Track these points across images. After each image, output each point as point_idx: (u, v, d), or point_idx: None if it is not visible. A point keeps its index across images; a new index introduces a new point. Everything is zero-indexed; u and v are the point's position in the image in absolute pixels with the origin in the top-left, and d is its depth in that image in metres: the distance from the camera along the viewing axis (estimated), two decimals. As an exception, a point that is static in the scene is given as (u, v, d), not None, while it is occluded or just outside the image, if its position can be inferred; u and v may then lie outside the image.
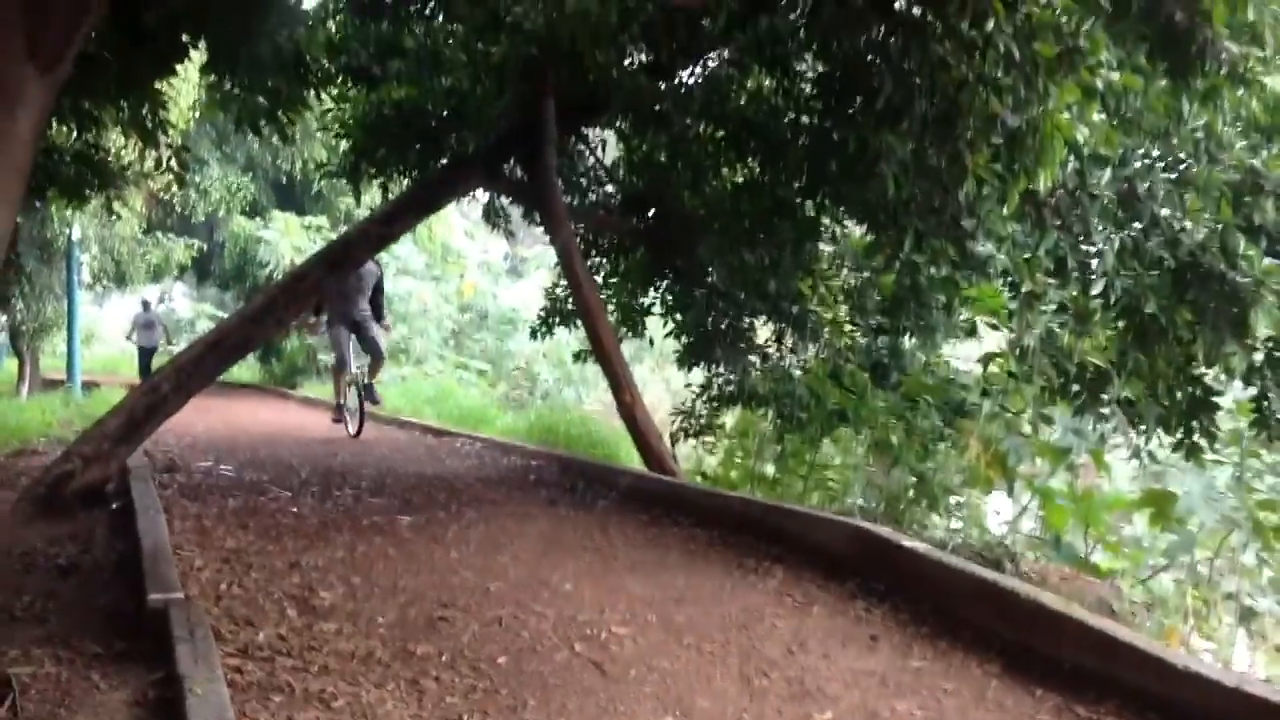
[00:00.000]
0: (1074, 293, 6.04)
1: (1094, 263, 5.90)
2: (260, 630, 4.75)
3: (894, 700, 4.34)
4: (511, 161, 9.96)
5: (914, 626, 5.17)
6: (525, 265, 34.43)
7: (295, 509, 7.79)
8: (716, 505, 7.39)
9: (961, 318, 11.18)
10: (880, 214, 7.06)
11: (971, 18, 4.91)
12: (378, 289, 13.11)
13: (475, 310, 29.07)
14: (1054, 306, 5.98)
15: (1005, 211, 5.49)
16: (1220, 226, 5.78)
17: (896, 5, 5.53)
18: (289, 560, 6.12)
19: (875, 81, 5.90)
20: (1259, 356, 6.61)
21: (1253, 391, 6.68)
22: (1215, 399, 6.80)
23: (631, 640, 4.95)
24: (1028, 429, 9.57)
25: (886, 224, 7.02)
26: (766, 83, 9.37)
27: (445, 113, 9.62)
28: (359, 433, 13.27)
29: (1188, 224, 5.77)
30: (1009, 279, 6.81)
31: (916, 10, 5.33)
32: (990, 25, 4.87)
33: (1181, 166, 5.96)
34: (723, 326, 11.44)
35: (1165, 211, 5.82)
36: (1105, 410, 6.67)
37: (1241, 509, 7.86)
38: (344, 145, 11.01)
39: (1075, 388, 6.71)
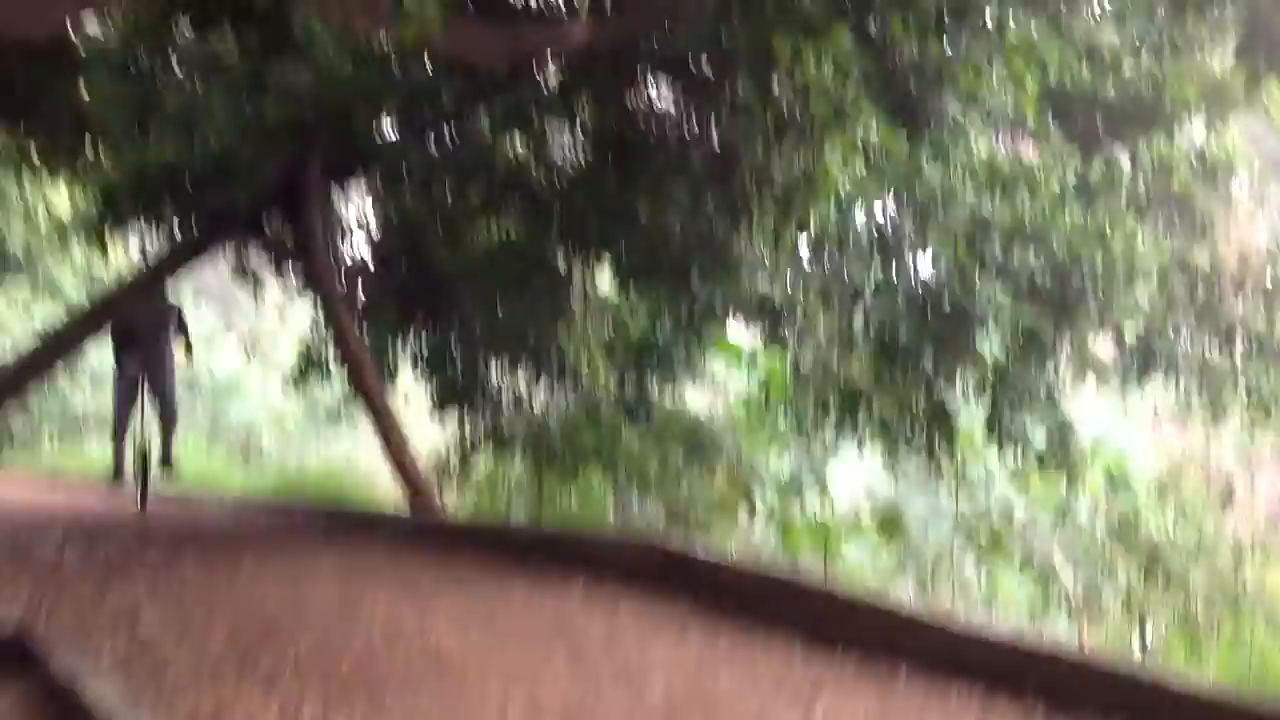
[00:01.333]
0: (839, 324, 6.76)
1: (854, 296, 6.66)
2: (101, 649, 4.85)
3: (713, 676, 4.84)
4: (275, 219, 10.10)
5: (719, 615, 5.69)
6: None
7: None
8: (500, 534, 7.76)
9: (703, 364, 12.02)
10: (641, 266, 7.68)
11: (756, 81, 5.56)
12: (181, 327, 11.17)
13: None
14: (823, 335, 6.68)
15: (779, 252, 6.18)
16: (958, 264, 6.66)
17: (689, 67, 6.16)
18: (96, 595, 6.14)
19: (653, 138, 6.51)
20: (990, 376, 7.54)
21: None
22: (951, 415, 7.67)
23: (459, 645, 5.27)
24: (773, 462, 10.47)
25: (647, 274, 7.66)
26: (520, 149, 9.92)
27: (211, 172, 9.66)
28: (143, 506, 10.92)
29: (931, 263, 6.61)
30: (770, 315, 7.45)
31: (707, 71, 5.97)
32: (775, 88, 5.54)
33: (924, 213, 6.81)
34: (475, 375, 11.86)
35: (910, 252, 6.65)
36: (862, 430, 7.42)
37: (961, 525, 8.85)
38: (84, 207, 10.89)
39: (834, 413, 7.41)
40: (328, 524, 9.90)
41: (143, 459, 10.77)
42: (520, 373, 12.04)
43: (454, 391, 11.89)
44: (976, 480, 10.39)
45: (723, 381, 12.15)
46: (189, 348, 11.20)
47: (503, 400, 12.06)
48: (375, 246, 11.69)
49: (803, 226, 5.97)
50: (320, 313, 10.82)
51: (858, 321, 6.80)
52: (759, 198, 5.91)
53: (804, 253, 6.63)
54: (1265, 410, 7.77)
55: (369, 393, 9.89)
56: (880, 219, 6.64)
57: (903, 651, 4.87)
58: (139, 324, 10.51)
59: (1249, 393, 7.62)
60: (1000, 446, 7.64)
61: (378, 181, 10.84)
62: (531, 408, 12.12)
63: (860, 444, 8.89)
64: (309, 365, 12.32)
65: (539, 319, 10.88)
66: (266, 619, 5.66)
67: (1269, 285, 7.84)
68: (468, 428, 12.12)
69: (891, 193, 6.53)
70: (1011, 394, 7.28)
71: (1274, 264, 7.95)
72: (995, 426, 7.44)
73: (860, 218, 6.43)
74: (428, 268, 11.03)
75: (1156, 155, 7.59)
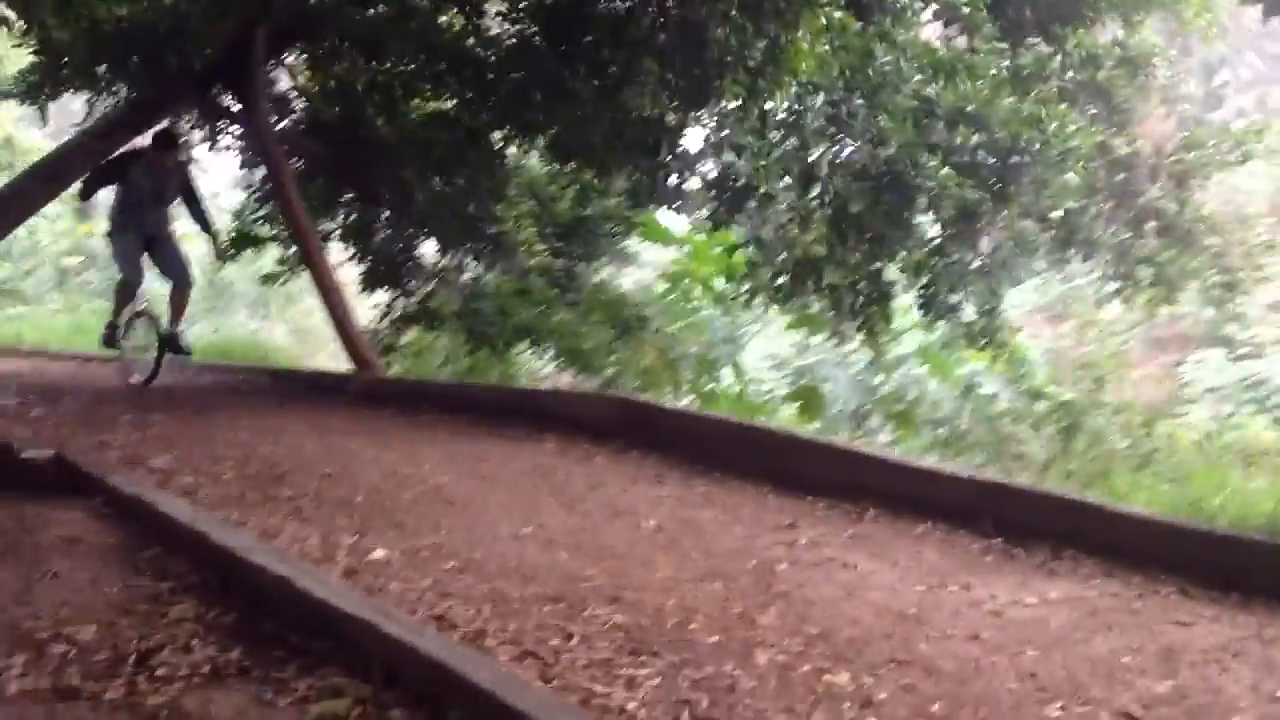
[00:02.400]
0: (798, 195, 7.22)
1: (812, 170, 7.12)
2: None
3: (695, 511, 5.33)
4: (222, 84, 10.16)
5: (690, 466, 6.18)
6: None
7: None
8: (461, 394, 8.13)
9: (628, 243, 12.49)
10: (576, 144, 8.01)
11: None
12: (188, 193, 10.02)
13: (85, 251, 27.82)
14: (784, 206, 7.13)
15: (744, 127, 6.61)
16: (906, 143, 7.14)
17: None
18: (98, 440, 6.40)
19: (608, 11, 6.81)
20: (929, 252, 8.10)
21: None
22: (889, 289, 8.22)
23: (457, 485, 5.67)
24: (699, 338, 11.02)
25: (582, 155, 8.01)
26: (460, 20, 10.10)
27: (162, 33, 9.66)
28: (149, 380, 9.68)
29: (883, 140, 7.09)
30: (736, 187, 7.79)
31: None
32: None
33: (874, 95, 7.26)
34: (408, 250, 12.12)
35: (863, 132, 7.12)
36: (810, 297, 7.94)
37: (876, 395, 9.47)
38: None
39: (785, 281, 7.88)
40: (286, 386, 10.18)
41: (157, 334, 9.65)
42: (453, 249, 12.33)
43: (385, 266, 12.13)
44: (892, 357, 11.17)
45: (652, 261, 12.59)
46: (215, 237, 10.20)
47: (435, 276, 12.37)
48: (312, 117, 11.76)
49: (767, 106, 6.37)
50: (263, 183, 10.94)
51: (814, 197, 7.28)
52: (726, 77, 6.28)
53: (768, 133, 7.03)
54: (1169, 287, 8.45)
55: (316, 262, 10.09)
56: (835, 100, 7.06)
57: (868, 493, 5.43)
58: (141, 179, 9.46)
59: (1157, 271, 8.28)
60: (935, 318, 8.22)
61: (319, 50, 10.91)
62: (463, 283, 12.45)
63: (807, 314, 9.56)
64: (243, 237, 12.44)
65: (473, 194, 11.13)
66: (267, 463, 5.97)
67: (1179, 171, 8.52)
68: (399, 302, 12.41)
69: (846, 75, 6.95)
70: (948, 270, 7.83)
71: (1185, 151, 8.62)
72: (930, 302, 8.00)
73: (819, 98, 6.85)
74: (363, 141, 11.16)
75: (1081, 48, 8.12)
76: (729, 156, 6.84)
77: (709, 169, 7.71)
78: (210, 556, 3.74)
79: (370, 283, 12.34)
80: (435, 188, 10.96)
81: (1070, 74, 8.05)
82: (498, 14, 9.92)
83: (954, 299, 7.92)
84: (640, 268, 13.21)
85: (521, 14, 9.31)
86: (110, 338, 10.28)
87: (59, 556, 4.02)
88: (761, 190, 6.86)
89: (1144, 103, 8.38)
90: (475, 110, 10.38)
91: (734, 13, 6.07)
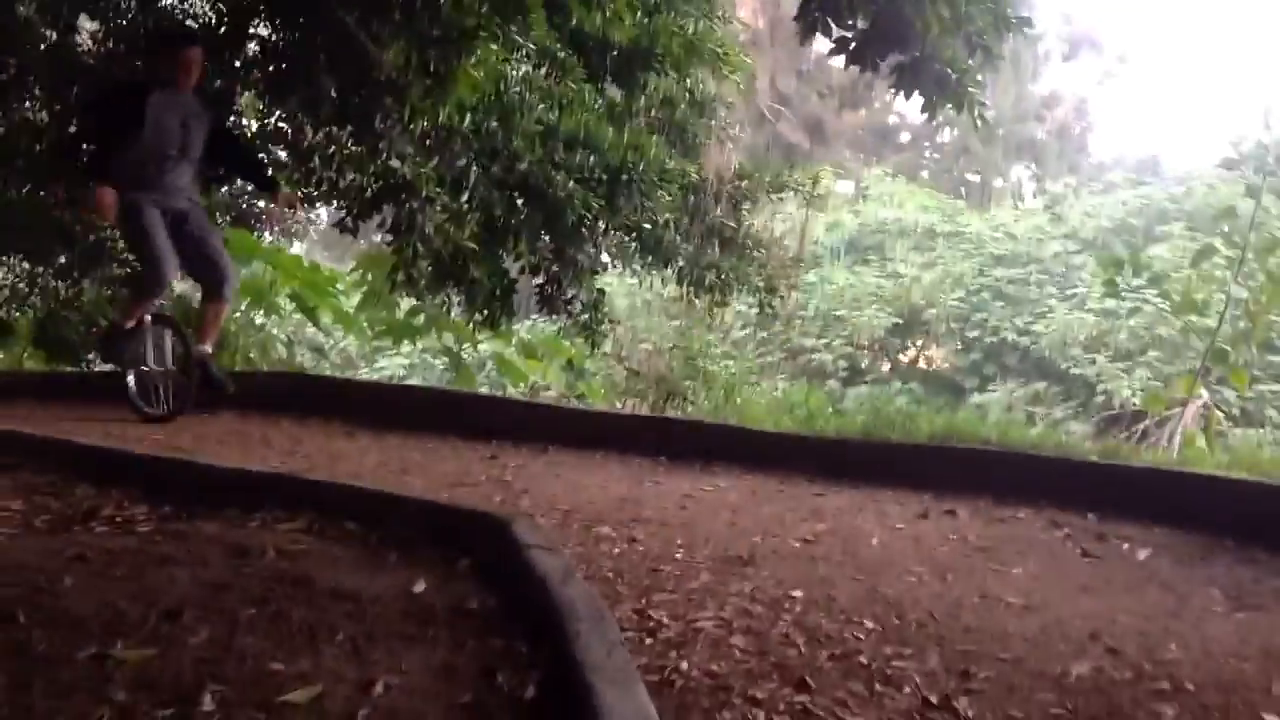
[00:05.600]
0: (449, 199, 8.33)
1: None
2: None
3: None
4: None
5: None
6: None
7: None
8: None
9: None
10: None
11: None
12: (230, 142, 7.99)
13: None
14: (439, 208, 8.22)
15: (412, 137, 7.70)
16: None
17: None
18: None
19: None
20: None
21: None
22: (514, 287, 9.51)
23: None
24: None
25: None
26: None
27: None
28: (172, 415, 7.52)
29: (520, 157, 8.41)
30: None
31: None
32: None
33: (508, 120, 8.54)
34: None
35: (502, 147, 8.41)
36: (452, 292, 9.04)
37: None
38: None
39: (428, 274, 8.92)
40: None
41: (181, 352, 7.58)
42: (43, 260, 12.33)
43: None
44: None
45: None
46: (274, 187, 8.17)
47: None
48: None
49: (441, 116, 7.43)
50: None
51: (465, 201, 8.42)
52: (408, 92, 7.28)
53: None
54: (726, 289, 10.31)
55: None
56: (478, 120, 8.25)
57: (547, 436, 6.74)
58: (162, 117, 7.20)
59: (719, 276, 10.10)
60: (550, 312, 9.58)
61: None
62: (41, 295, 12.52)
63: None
64: None
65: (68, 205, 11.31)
66: None
67: (735, 196, 10.49)
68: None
69: (486, 99, 8.14)
70: (563, 270, 9.22)
71: (740, 180, 10.63)
72: (547, 296, 9.35)
73: (467, 117, 7.99)
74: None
75: (659, 91, 9.80)
76: (394, 162, 7.84)
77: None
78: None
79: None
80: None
81: (654, 112, 9.69)
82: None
83: (571, 294, 9.32)
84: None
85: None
86: (112, 348, 7.87)
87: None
88: (424, 193, 7.93)
89: (708, 139, 10.22)
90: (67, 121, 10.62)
91: (400, 42, 7.10)
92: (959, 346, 24.18)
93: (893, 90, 6.47)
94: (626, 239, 9.61)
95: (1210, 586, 4.40)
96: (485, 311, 9.10)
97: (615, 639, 2.90)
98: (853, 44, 6.24)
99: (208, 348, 7.41)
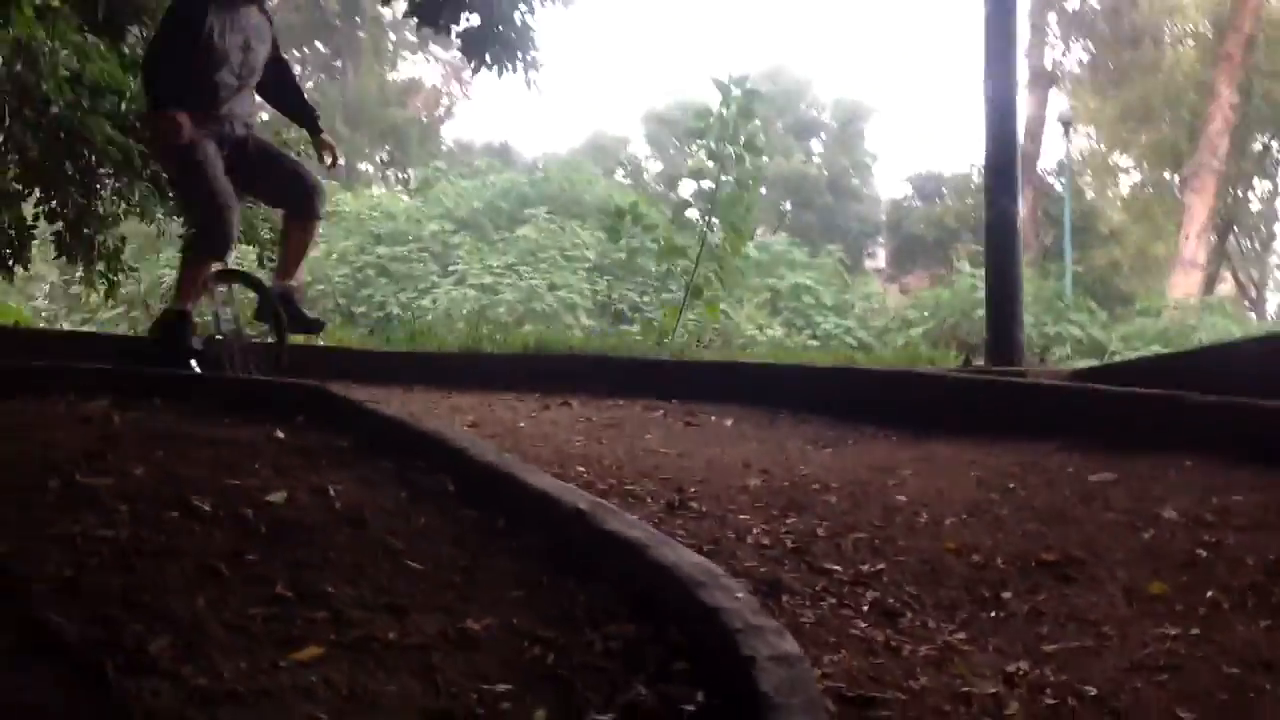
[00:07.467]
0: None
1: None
2: None
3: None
4: None
5: None
6: None
7: None
8: None
9: None
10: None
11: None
12: (281, 69, 6.67)
13: None
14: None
15: None
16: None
17: None
18: None
19: None
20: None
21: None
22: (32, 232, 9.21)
23: None
24: None
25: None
26: None
27: None
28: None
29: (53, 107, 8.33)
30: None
31: None
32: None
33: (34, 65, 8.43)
34: None
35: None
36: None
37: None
38: None
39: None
40: None
41: (266, 300, 6.46)
42: None
43: None
44: None
45: None
46: (318, 135, 6.75)
47: None
48: None
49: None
50: None
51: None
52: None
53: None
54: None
55: None
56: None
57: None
58: (223, 37, 6.00)
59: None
60: (69, 260, 9.36)
61: None
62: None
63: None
64: None
65: None
66: None
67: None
68: None
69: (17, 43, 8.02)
70: (91, 217, 9.10)
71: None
72: (65, 244, 9.13)
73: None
74: None
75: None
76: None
77: None
78: None
79: None
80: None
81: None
82: None
83: (98, 240, 9.24)
84: None
85: None
86: (176, 346, 6.14)
87: None
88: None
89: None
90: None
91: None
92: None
93: (461, 55, 7.26)
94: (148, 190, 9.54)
95: (791, 438, 5.82)
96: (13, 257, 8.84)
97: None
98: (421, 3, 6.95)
99: (294, 281, 6.53)
